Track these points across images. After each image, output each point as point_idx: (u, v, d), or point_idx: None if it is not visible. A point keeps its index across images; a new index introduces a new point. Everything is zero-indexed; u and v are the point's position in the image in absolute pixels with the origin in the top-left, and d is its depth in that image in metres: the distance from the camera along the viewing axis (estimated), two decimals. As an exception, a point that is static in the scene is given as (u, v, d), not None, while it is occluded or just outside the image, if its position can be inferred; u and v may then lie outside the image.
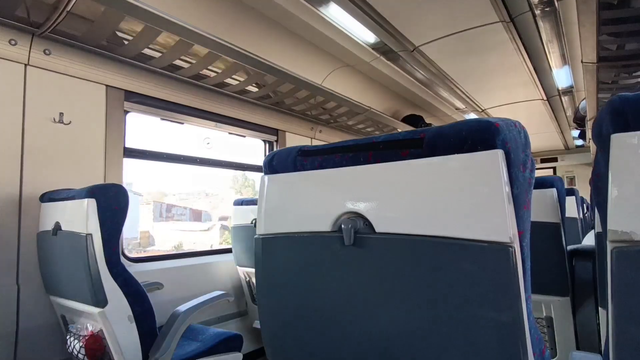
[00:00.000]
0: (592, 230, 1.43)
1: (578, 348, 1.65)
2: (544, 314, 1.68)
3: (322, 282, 0.81)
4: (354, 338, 0.76)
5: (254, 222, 2.71)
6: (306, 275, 0.84)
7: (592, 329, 1.61)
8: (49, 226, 1.74)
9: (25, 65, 1.91)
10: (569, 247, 1.66)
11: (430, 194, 0.66)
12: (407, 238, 0.68)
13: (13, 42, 1.82)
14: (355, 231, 0.73)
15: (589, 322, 1.61)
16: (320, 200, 0.81)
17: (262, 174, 0.94)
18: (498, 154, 0.60)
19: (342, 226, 0.74)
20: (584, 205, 3.76)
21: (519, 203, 0.62)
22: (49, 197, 1.82)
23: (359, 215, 0.74)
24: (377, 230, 0.72)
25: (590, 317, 1.61)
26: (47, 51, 1.93)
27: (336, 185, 0.79)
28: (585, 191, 5.80)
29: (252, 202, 2.81)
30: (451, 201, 0.64)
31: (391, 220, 0.70)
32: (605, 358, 0.63)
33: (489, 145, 0.61)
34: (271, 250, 0.90)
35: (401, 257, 0.69)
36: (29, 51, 1.88)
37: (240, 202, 2.87)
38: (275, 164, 0.91)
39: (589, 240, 2.20)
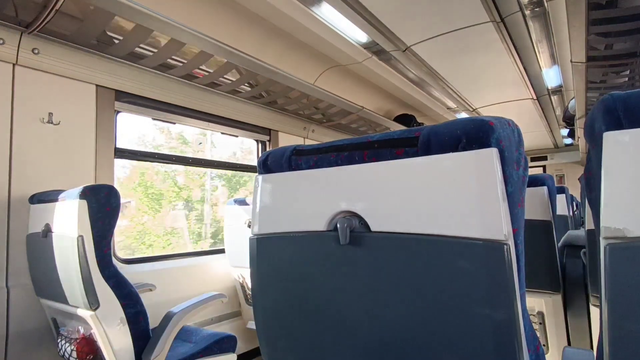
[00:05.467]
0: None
1: (569, 344, 1.67)
2: (536, 310, 1.70)
3: (318, 281, 0.81)
4: (350, 337, 0.76)
5: (247, 222, 2.70)
6: (302, 275, 0.84)
7: (583, 324, 1.63)
8: (39, 228, 1.71)
9: (14, 64, 1.88)
10: (561, 242, 1.68)
11: (425, 192, 0.66)
12: (402, 237, 0.68)
13: (1, 41, 1.79)
14: (351, 230, 0.73)
15: (580, 317, 1.63)
16: (315, 200, 0.80)
17: (257, 173, 0.94)
18: (492, 153, 0.60)
19: (338, 225, 0.74)
20: (574, 203, 3.81)
21: (513, 201, 0.63)
22: (38, 198, 1.79)
23: (354, 214, 0.74)
24: (372, 229, 0.72)
25: (581, 313, 1.63)
26: (35, 50, 1.90)
27: (331, 184, 0.78)
28: (574, 189, 5.88)
29: (245, 202, 2.80)
30: (446, 200, 0.64)
31: (387, 219, 0.70)
32: (599, 353, 0.64)
33: (484, 144, 0.61)
34: (266, 250, 0.89)
35: (397, 256, 0.69)
36: (17, 50, 1.85)
37: (233, 202, 2.85)
38: (270, 164, 0.90)
39: None
